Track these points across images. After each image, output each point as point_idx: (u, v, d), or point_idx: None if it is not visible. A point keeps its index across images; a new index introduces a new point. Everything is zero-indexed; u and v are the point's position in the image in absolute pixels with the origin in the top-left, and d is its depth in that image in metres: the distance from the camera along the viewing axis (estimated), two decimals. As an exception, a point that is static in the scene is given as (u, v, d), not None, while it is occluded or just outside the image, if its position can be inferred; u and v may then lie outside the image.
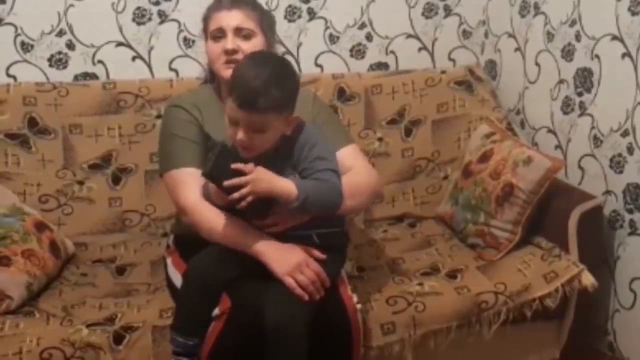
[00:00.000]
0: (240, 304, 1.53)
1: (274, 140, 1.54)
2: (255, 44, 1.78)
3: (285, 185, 1.51)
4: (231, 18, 1.78)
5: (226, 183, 1.47)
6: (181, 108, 1.79)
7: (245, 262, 1.57)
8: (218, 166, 1.49)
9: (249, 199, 1.48)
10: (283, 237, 1.59)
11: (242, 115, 1.48)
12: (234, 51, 1.76)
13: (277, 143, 1.56)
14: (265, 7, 2.00)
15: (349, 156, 1.76)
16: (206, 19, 1.84)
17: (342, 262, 1.72)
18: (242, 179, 1.47)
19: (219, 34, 1.78)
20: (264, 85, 1.47)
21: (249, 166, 1.49)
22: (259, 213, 1.56)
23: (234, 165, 1.47)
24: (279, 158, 1.56)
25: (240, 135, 1.50)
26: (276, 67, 1.52)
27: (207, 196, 1.63)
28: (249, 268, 1.57)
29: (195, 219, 1.66)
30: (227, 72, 1.75)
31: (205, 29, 1.84)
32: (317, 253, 1.59)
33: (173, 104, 1.83)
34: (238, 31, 1.77)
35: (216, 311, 1.55)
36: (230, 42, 1.76)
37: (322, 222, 1.61)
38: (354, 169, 1.73)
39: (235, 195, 1.48)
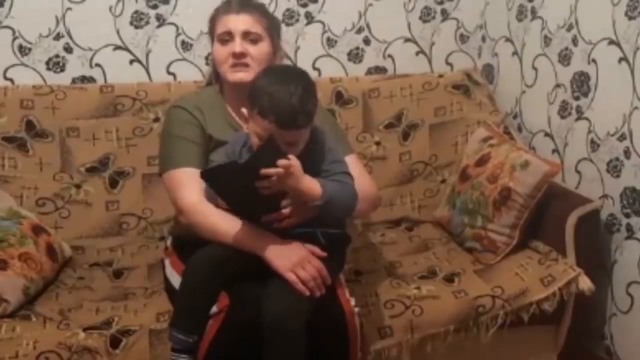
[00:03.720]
0: (238, 302, 1.53)
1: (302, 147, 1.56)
2: (263, 48, 1.80)
3: (312, 184, 1.52)
4: (240, 22, 1.78)
5: (264, 171, 1.45)
6: (183, 109, 1.80)
7: (245, 260, 1.57)
8: (259, 156, 1.47)
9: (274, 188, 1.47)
10: (287, 235, 1.59)
11: (281, 133, 1.49)
12: (242, 55, 1.76)
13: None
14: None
15: (350, 165, 1.76)
16: (213, 21, 1.84)
17: (341, 264, 1.72)
18: (284, 163, 1.45)
19: (226, 37, 1.79)
20: (300, 102, 1.48)
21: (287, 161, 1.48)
22: (270, 208, 1.56)
23: (279, 161, 1.45)
24: (302, 159, 1.55)
25: None
26: (302, 81, 1.52)
27: (209, 197, 1.63)
28: (247, 266, 1.57)
29: (195, 219, 1.66)
30: (233, 76, 1.77)
31: (211, 31, 1.85)
32: (318, 251, 1.59)
33: (175, 105, 1.84)
34: (246, 35, 1.78)
35: (214, 309, 1.54)
36: (238, 45, 1.77)
37: (326, 222, 1.61)
38: (356, 178, 1.72)
39: (265, 183, 1.47)
